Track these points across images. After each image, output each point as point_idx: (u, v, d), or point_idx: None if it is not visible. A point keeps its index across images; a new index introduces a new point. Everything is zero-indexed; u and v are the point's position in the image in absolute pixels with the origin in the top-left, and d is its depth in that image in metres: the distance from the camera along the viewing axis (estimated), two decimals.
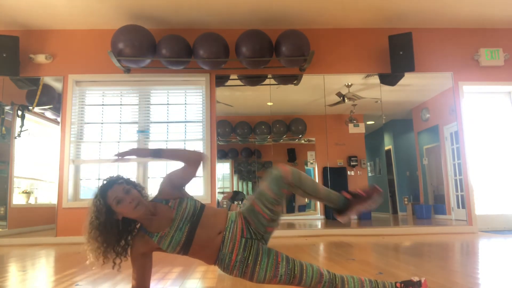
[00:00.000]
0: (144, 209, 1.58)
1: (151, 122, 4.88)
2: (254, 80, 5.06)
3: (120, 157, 1.67)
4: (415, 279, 1.56)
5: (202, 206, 1.68)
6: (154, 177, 4.82)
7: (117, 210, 1.57)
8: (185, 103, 4.97)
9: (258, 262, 1.55)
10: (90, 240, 1.56)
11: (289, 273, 1.52)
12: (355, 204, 1.68)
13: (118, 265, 1.62)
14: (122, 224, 1.63)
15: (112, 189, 1.58)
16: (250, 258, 1.56)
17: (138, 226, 1.69)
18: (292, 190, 1.58)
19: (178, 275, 2.33)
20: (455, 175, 5.03)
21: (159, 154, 1.66)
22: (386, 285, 1.54)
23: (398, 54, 4.69)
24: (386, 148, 5.37)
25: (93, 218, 1.55)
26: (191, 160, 1.67)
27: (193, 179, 1.73)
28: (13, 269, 2.76)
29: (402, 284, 1.54)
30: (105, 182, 1.62)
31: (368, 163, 5.36)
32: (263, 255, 1.56)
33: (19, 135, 4.66)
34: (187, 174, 1.68)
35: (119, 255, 1.63)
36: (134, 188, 1.63)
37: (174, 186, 1.68)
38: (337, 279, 1.53)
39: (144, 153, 1.71)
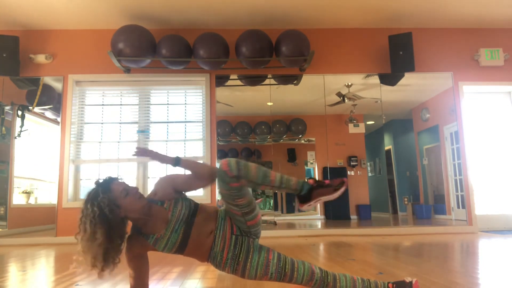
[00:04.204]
0: (145, 203, 1.58)
1: (151, 122, 4.88)
2: (254, 80, 5.06)
3: (139, 154, 1.65)
4: (408, 279, 1.57)
5: (196, 205, 1.67)
6: (154, 177, 4.81)
7: (124, 202, 1.53)
8: (185, 103, 4.97)
9: (249, 259, 1.55)
10: (98, 239, 1.47)
11: (279, 271, 1.53)
12: (319, 192, 1.63)
13: (113, 268, 1.58)
14: (122, 224, 1.60)
15: (114, 183, 1.57)
16: (241, 255, 1.56)
17: (128, 230, 1.67)
18: (242, 182, 1.49)
19: (178, 275, 2.33)
20: (455, 175, 5.03)
21: (178, 163, 1.63)
22: (379, 285, 1.55)
23: (398, 54, 4.69)
24: (386, 148, 5.37)
25: (102, 214, 1.47)
26: (206, 176, 1.63)
27: None
28: (13, 269, 2.76)
29: (394, 285, 1.55)
30: (102, 180, 1.59)
31: (368, 163, 5.36)
32: (253, 252, 1.57)
33: (19, 135, 4.66)
34: (195, 185, 1.65)
35: (114, 261, 1.57)
36: None
37: (174, 190, 1.65)
38: (329, 277, 1.54)
39: (164, 159, 1.64)
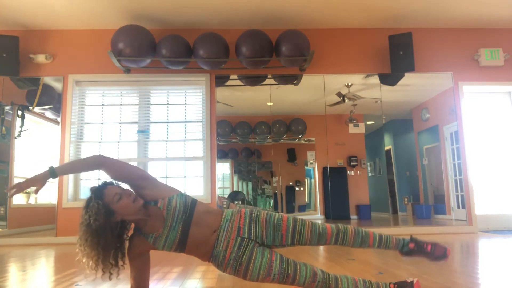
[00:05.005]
0: (142, 203, 1.59)
1: (151, 122, 4.88)
2: (254, 80, 5.06)
3: (17, 191, 1.54)
4: (409, 279, 1.57)
5: (193, 201, 1.67)
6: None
7: (118, 206, 1.55)
8: (185, 103, 4.97)
9: (252, 261, 1.55)
10: (87, 248, 1.51)
11: (282, 273, 1.53)
12: (417, 254, 1.73)
13: (116, 273, 1.61)
14: (119, 228, 1.62)
15: (107, 188, 1.59)
16: (244, 257, 1.56)
17: (129, 233, 1.68)
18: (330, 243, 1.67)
19: (178, 275, 2.33)
20: (455, 175, 5.03)
21: (54, 173, 1.59)
22: (380, 286, 1.56)
23: (398, 54, 4.68)
24: (386, 148, 5.36)
25: (91, 222, 1.49)
26: (92, 166, 1.62)
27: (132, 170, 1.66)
28: (13, 269, 2.76)
29: (396, 285, 1.56)
30: (96, 186, 1.61)
31: (368, 163, 5.36)
32: (257, 254, 1.56)
33: (19, 135, 4.66)
34: (113, 174, 1.62)
35: (116, 264, 1.61)
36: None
37: (138, 186, 1.64)
38: (330, 278, 1.54)
39: (42, 177, 1.59)
